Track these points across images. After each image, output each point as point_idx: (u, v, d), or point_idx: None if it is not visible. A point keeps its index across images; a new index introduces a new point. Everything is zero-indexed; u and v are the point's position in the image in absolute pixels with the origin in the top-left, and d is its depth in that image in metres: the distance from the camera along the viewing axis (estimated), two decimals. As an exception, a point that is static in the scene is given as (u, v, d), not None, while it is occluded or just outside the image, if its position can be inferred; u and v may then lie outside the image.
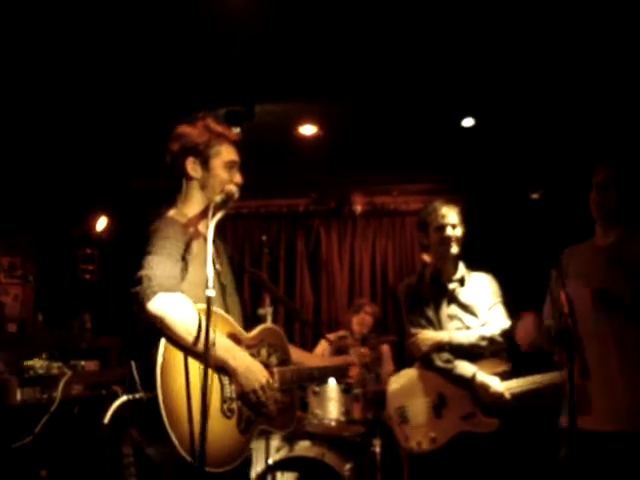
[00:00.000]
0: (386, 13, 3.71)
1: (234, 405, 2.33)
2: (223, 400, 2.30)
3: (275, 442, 4.35)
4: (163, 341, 2.18)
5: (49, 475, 3.94)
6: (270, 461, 4.08)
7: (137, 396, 2.18)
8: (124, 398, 2.23)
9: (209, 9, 3.62)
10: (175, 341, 2.21)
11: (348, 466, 4.10)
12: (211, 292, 2.15)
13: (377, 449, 4.35)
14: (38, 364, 3.95)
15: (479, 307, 3.54)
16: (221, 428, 2.27)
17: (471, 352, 3.43)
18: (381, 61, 4.26)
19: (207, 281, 2.15)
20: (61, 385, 3.80)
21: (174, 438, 2.11)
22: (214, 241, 2.41)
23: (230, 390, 2.33)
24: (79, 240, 6.55)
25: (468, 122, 5.07)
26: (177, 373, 2.20)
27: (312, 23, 3.84)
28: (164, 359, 2.16)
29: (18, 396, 3.76)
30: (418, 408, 3.50)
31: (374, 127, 5.34)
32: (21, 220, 5.90)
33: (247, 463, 3.30)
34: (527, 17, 3.70)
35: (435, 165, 6.03)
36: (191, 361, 2.24)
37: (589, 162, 2.93)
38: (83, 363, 4.29)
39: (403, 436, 3.51)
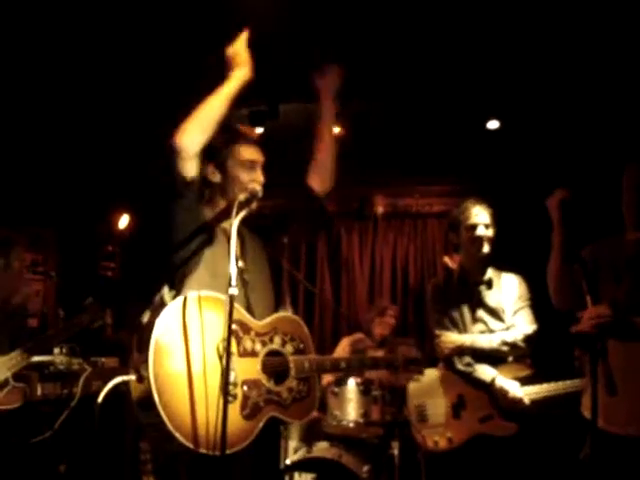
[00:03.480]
0: (411, 15, 3.69)
1: (237, 390, 2.31)
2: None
3: (293, 443, 4.34)
4: (161, 318, 2.21)
5: (68, 470, 3.97)
6: (288, 462, 4.07)
7: (132, 377, 2.18)
8: (118, 379, 2.24)
9: (233, 8, 3.62)
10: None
11: (366, 468, 4.07)
12: (234, 290, 2.15)
13: (395, 451, 4.31)
14: (58, 360, 3.98)
15: (505, 310, 3.50)
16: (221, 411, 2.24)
17: (493, 356, 3.41)
18: (404, 62, 4.24)
19: (230, 279, 2.16)
20: (81, 381, 3.83)
21: (166, 419, 2.13)
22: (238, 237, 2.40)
23: (234, 375, 2.30)
24: (101, 237, 6.59)
25: (493, 124, 5.03)
26: (172, 355, 2.21)
27: (335, 23, 3.83)
28: (157, 340, 2.18)
29: (39, 391, 3.79)
30: (437, 407, 3.51)
31: (396, 129, 5.31)
32: (44, 216, 5.95)
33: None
34: (554, 19, 3.67)
35: (458, 167, 5.98)
36: (190, 342, 2.25)
37: (615, 162, 2.87)
38: (103, 360, 4.32)
39: (420, 434, 3.51)
